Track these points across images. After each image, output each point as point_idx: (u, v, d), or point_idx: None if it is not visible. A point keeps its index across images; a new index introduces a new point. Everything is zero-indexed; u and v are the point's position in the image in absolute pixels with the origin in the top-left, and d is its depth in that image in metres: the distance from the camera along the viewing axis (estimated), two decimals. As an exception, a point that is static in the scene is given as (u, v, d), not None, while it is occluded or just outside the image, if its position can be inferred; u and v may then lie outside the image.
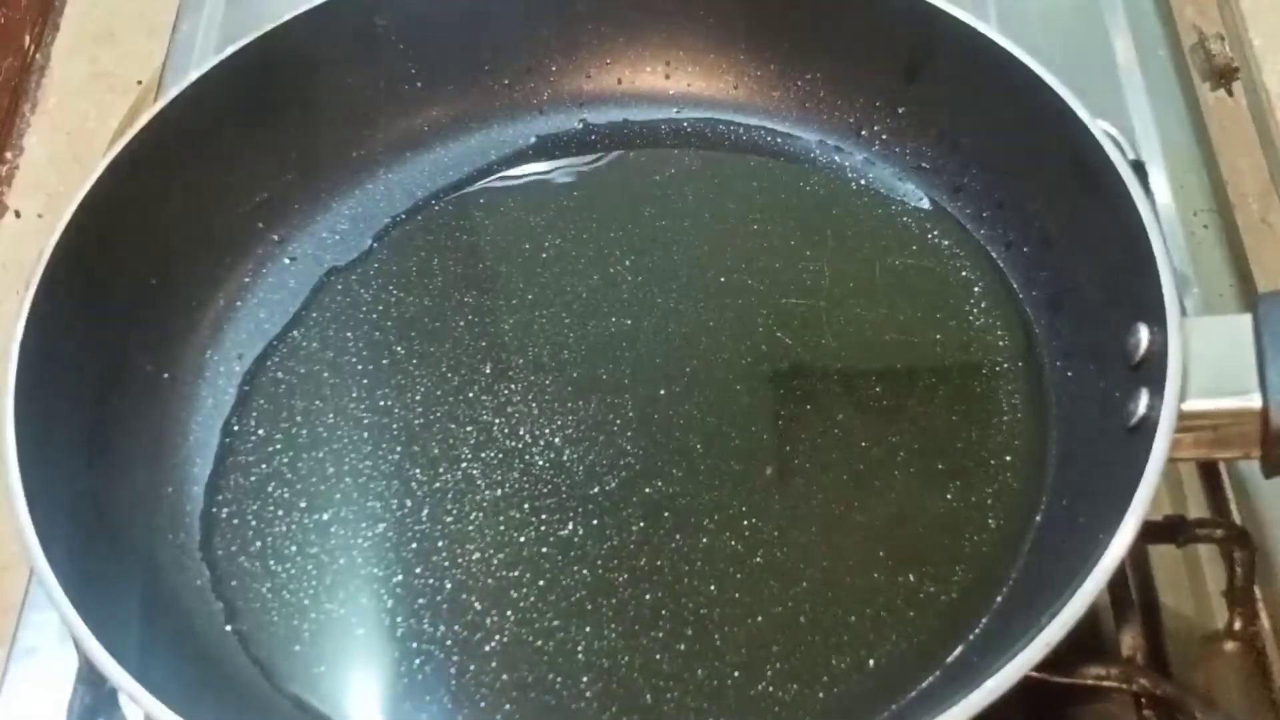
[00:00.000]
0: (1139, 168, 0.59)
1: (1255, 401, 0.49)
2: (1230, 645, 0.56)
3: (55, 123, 0.81)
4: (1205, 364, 0.50)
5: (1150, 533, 0.56)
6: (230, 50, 0.65)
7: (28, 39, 0.82)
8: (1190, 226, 0.68)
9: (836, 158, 0.69)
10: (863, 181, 0.68)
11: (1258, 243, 0.68)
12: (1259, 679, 0.55)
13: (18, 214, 0.75)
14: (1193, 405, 0.49)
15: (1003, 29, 0.63)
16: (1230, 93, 0.75)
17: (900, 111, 0.68)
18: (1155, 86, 0.75)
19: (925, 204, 0.67)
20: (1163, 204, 0.69)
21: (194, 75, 0.65)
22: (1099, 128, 0.57)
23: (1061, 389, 0.58)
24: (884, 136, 0.69)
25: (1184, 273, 0.66)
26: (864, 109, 0.69)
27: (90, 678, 0.56)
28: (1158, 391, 0.49)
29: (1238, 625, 0.56)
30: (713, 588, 0.55)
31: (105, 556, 0.55)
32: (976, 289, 0.63)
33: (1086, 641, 0.54)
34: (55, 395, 0.56)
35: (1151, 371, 0.51)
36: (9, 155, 0.78)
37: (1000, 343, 0.61)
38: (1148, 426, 0.49)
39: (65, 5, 0.86)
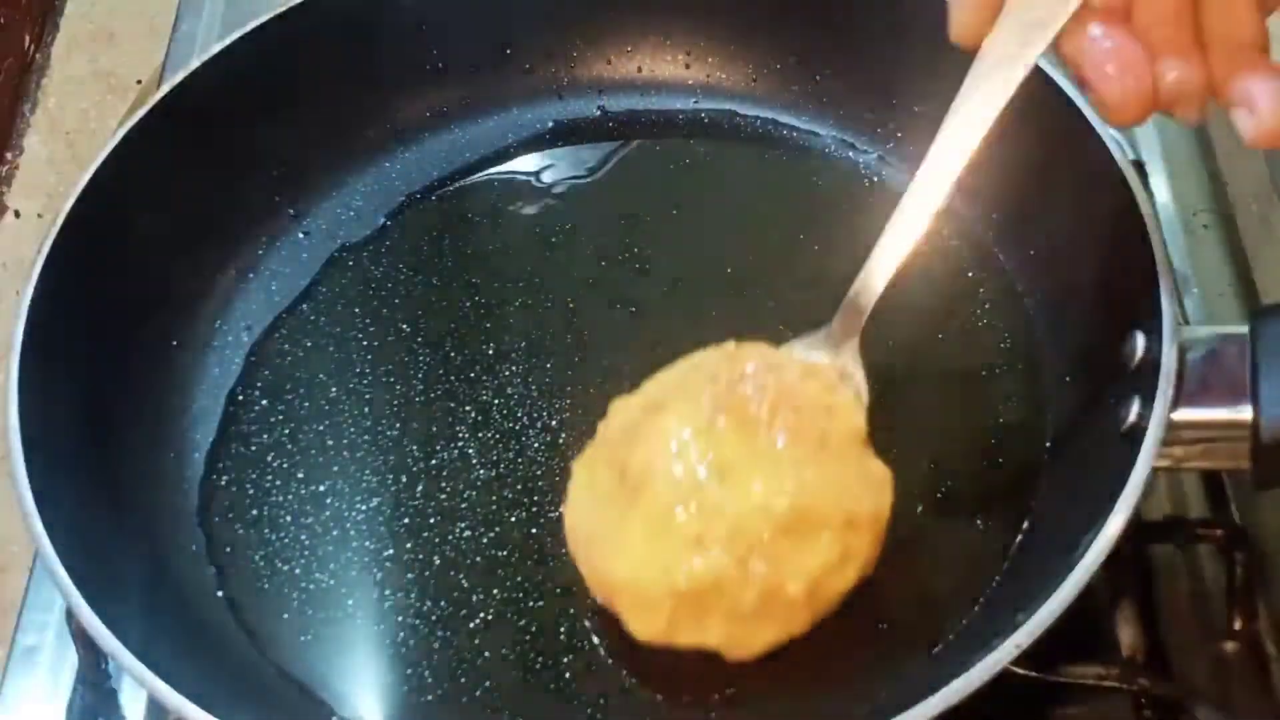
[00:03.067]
0: (1139, 168, 0.59)
1: (1246, 413, 0.49)
2: (1230, 645, 0.56)
3: (55, 123, 0.82)
4: (1198, 374, 0.49)
5: (1150, 533, 0.56)
6: (250, 26, 0.66)
7: (28, 39, 0.83)
8: (1190, 227, 0.68)
9: (850, 154, 0.69)
10: (875, 179, 0.68)
11: (1258, 243, 0.67)
12: (1259, 679, 0.55)
13: (17, 214, 0.76)
14: (1183, 415, 0.49)
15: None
16: (1230, 93, 0.74)
17: (916, 111, 0.68)
18: (1155, 86, 0.74)
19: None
20: (1162, 204, 0.68)
21: (212, 51, 0.66)
22: (1107, 133, 0.57)
23: (1058, 393, 0.58)
24: (899, 134, 0.68)
25: (1184, 273, 0.66)
26: (880, 107, 0.69)
27: (90, 678, 0.56)
28: (1149, 400, 0.49)
29: (1238, 625, 0.56)
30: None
31: (102, 520, 0.55)
32: (982, 290, 0.63)
33: (1086, 641, 0.54)
34: (60, 360, 0.58)
35: (1145, 379, 0.50)
36: (9, 155, 0.80)
37: (1002, 344, 0.61)
38: (1137, 434, 0.49)
39: (65, 5, 0.87)
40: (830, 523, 0.49)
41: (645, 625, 0.50)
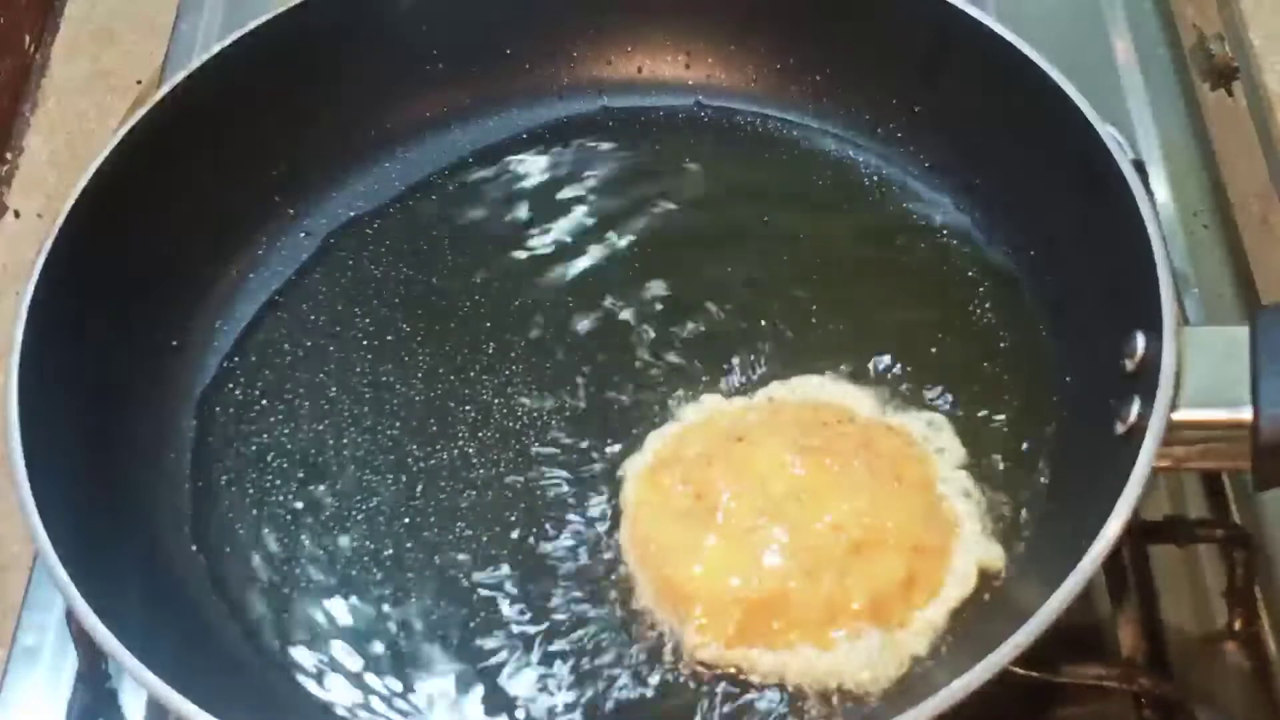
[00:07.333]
0: (1139, 167, 0.59)
1: (1246, 414, 0.49)
2: (1230, 645, 0.56)
3: (55, 123, 0.82)
4: (1199, 375, 0.50)
5: (1150, 533, 0.56)
6: (249, 26, 0.66)
7: (28, 39, 0.83)
8: (1190, 227, 0.68)
9: (851, 153, 0.69)
10: (875, 178, 0.68)
11: (1258, 243, 0.67)
12: (1259, 679, 0.55)
13: (17, 214, 0.76)
14: (1183, 415, 0.49)
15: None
16: (1230, 93, 0.74)
17: (916, 110, 0.68)
18: (1155, 86, 0.74)
19: (936, 203, 0.66)
20: (1162, 204, 0.68)
21: (212, 51, 0.66)
22: (1107, 133, 0.57)
23: (1059, 393, 0.58)
24: (899, 134, 0.68)
25: (1184, 273, 0.66)
26: (880, 106, 0.69)
27: (90, 678, 0.56)
28: (1149, 400, 0.49)
29: (1238, 625, 0.56)
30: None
31: (102, 521, 0.56)
32: (981, 289, 0.63)
33: (1087, 641, 0.54)
34: (61, 360, 0.58)
35: (1145, 380, 0.50)
36: (9, 155, 0.80)
37: (1002, 344, 0.61)
38: (1137, 434, 0.49)
39: (65, 5, 0.87)
40: (897, 546, 0.52)
41: (714, 632, 0.52)
